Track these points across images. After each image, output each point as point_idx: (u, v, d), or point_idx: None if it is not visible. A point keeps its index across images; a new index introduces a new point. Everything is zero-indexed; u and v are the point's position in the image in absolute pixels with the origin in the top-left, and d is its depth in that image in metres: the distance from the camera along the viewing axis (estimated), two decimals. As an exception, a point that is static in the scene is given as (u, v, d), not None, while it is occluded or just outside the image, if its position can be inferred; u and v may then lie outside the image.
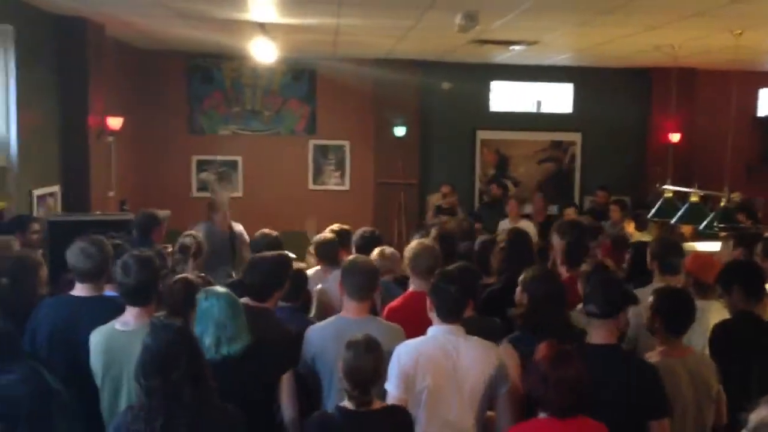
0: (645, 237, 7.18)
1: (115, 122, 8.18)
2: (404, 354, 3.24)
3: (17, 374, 3.21)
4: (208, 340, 3.23)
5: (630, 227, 8.21)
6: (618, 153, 11.08)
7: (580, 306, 4.09)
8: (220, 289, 3.43)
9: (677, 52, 8.32)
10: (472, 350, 3.26)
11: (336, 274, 4.69)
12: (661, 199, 6.84)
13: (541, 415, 2.80)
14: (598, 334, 3.25)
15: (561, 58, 9.78)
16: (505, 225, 7.98)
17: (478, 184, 11.06)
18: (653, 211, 6.91)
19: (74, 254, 3.77)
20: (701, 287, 4.26)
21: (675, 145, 10.58)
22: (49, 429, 3.26)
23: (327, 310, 4.39)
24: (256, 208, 9.72)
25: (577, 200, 11.07)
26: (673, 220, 6.43)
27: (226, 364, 3.22)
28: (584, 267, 4.28)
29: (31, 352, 3.57)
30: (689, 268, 4.41)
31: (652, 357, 3.44)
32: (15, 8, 6.34)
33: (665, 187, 6.99)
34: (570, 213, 8.68)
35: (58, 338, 3.67)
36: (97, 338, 3.46)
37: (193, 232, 5.46)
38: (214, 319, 3.27)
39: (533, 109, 11.17)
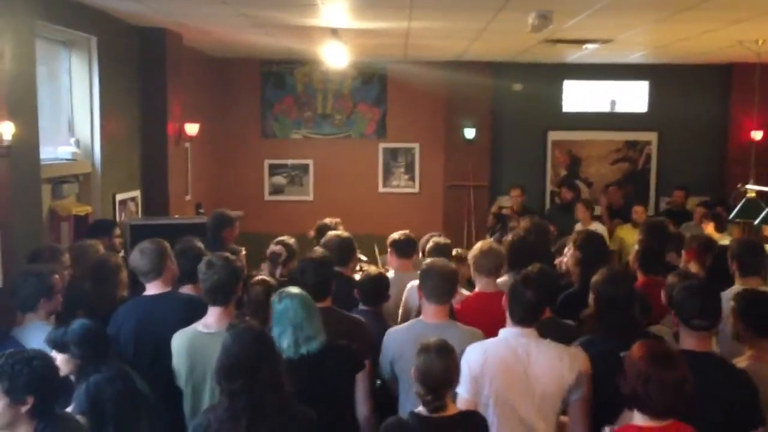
0: (725, 239, 6.93)
1: (192, 128, 8.42)
2: (473, 357, 3.22)
3: (105, 374, 3.33)
4: (286, 342, 3.28)
5: (709, 228, 7.94)
6: (696, 152, 10.72)
7: (667, 320, 3.98)
8: (293, 290, 3.47)
9: (761, 47, 8.00)
10: (544, 354, 3.21)
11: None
12: (744, 200, 6.60)
13: (636, 421, 2.70)
14: (694, 342, 3.17)
15: (636, 55, 9.54)
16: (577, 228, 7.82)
17: (549, 186, 10.90)
18: (735, 211, 6.67)
19: (133, 257, 3.97)
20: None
21: (758, 143, 10.15)
22: (135, 428, 3.37)
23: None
24: (326, 212, 9.80)
25: (653, 201, 10.78)
26: (756, 221, 6.19)
27: (305, 363, 3.27)
28: (670, 278, 4.12)
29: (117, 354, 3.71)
30: None
31: (741, 362, 3.35)
32: (98, 20, 6.59)
33: (747, 186, 6.74)
34: (639, 211, 8.45)
35: (138, 338, 3.80)
36: (180, 340, 3.54)
37: (284, 238, 5.32)
38: (291, 321, 3.31)
39: (607, 109, 10.92)
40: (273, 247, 5.21)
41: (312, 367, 3.28)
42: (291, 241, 5.29)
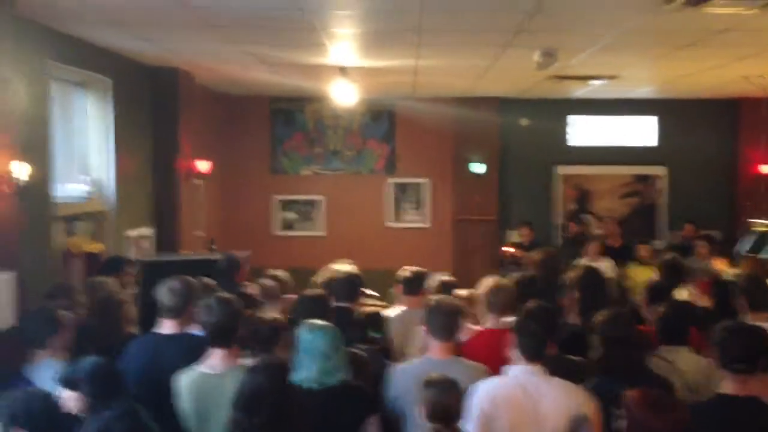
0: (730, 273, 6.88)
1: (203, 165, 8.52)
2: (483, 394, 3.21)
3: (114, 411, 3.33)
4: (306, 372, 3.29)
5: (722, 264, 7.89)
6: (706, 186, 10.73)
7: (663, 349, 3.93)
8: (321, 322, 3.51)
9: (767, 82, 8.06)
10: (553, 392, 3.21)
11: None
12: (755, 234, 6.60)
13: None
14: (736, 386, 3.02)
15: (643, 91, 9.61)
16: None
17: (558, 220, 10.90)
18: (746, 246, 6.67)
19: (162, 291, 3.94)
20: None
21: (767, 177, 10.17)
22: (143, 466, 3.37)
23: None
24: (337, 247, 9.86)
25: (663, 235, 10.76)
26: (766, 256, 6.19)
27: (323, 395, 3.27)
28: (661, 308, 4.08)
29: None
30: None
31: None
32: (113, 62, 6.73)
33: (757, 221, 6.74)
34: (644, 249, 8.38)
35: (146, 376, 3.78)
36: (185, 382, 3.51)
37: (277, 272, 5.49)
38: (319, 351, 3.32)
39: (616, 143, 10.95)
40: (263, 281, 5.41)
41: (329, 401, 3.27)
42: (282, 273, 5.52)
